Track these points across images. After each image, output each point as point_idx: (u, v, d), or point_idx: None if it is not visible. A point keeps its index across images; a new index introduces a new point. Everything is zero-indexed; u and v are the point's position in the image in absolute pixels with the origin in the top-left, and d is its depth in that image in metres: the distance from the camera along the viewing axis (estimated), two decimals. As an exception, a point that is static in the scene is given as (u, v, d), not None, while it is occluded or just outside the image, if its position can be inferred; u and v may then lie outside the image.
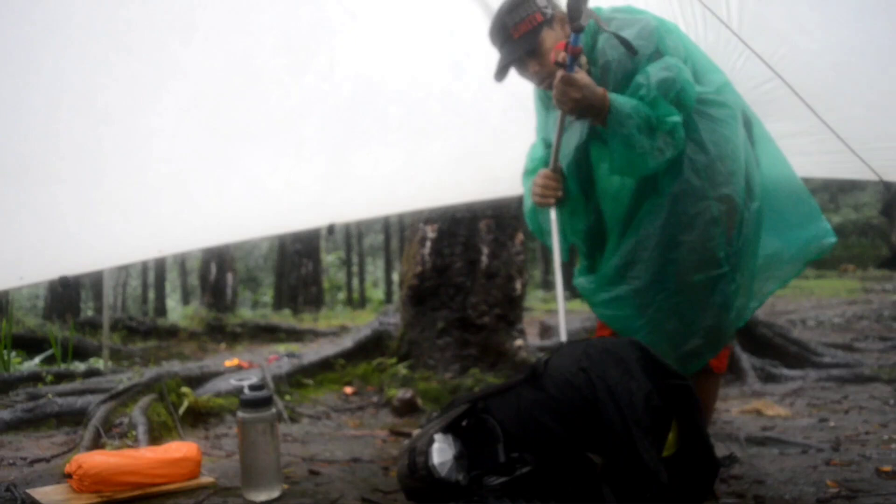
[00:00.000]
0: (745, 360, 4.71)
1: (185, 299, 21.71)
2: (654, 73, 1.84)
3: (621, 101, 1.84)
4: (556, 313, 2.15)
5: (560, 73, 1.85)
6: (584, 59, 1.94)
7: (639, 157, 1.85)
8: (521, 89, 2.31)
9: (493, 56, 2.07)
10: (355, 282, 22.27)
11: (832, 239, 2.11)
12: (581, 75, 1.86)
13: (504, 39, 2.00)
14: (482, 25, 2.18)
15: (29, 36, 1.63)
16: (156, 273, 19.70)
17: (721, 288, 1.95)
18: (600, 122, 1.88)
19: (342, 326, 8.24)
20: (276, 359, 4.57)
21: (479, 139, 2.01)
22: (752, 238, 2.01)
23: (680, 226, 1.92)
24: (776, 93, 2.35)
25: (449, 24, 2.20)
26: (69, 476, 2.16)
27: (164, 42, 1.87)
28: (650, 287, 1.95)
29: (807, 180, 2.33)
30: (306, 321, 9.84)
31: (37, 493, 2.13)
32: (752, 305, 2.09)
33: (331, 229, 3.04)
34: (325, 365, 4.49)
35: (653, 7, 2.12)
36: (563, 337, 2.08)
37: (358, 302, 19.52)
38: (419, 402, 3.85)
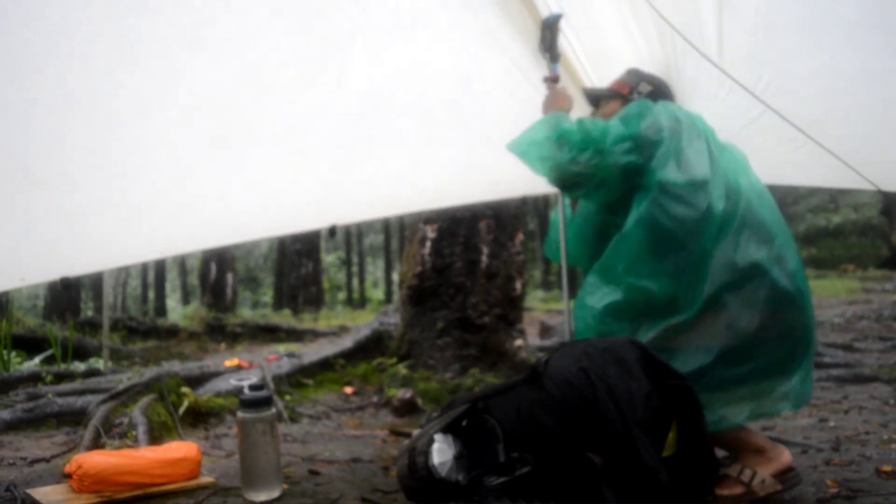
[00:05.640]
0: (745, 360, 4.70)
1: (185, 299, 21.72)
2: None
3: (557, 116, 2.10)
4: (557, 313, 2.17)
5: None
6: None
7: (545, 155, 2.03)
8: (529, 98, 2.38)
9: (502, 68, 2.34)
10: (355, 282, 22.26)
11: None
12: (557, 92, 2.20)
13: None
14: (491, 39, 2.26)
15: (34, 45, 1.64)
16: (156, 273, 19.71)
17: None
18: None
19: (342, 326, 8.24)
20: (276, 359, 4.57)
21: (485, 148, 2.01)
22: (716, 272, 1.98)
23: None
24: (763, 120, 2.31)
25: (460, 38, 2.22)
26: (69, 476, 2.16)
27: (171, 54, 1.88)
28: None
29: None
30: (306, 321, 9.85)
31: (37, 493, 2.13)
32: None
33: (332, 231, 3.03)
34: (325, 365, 4.49)
35: (634, 44, 2.29)
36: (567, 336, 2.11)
37: (358, 302, 19.51)
38: (419, 402, 3.85)
